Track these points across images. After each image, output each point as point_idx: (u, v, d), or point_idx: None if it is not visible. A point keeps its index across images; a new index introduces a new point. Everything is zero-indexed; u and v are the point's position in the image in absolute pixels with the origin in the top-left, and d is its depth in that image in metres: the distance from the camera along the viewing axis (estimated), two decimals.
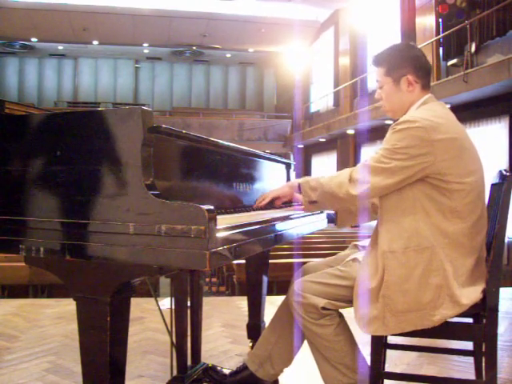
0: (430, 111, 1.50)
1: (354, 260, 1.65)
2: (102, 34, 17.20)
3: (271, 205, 1.76)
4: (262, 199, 1.73)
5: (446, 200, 1.44)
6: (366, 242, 1.83)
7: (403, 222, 1.48)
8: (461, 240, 1.45)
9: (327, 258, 1.85)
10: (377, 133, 12.03)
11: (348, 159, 13.82)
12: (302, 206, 1.66)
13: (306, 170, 17.28)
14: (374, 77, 1.69)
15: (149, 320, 3.29)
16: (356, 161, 13.60)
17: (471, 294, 1.44)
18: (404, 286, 1.44)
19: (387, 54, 1.62)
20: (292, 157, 17.17)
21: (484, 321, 1.44)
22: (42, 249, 1.25)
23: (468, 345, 1.70)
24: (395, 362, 2.45)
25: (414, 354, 2.53)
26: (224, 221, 1.25)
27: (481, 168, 1.52)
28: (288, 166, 2.38)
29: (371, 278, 1.50)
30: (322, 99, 16.18)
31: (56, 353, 2.61)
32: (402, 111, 1.61)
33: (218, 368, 1.98)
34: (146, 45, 18.79)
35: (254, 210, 1.72)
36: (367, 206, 1.80)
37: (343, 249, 1.91)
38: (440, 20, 9.66)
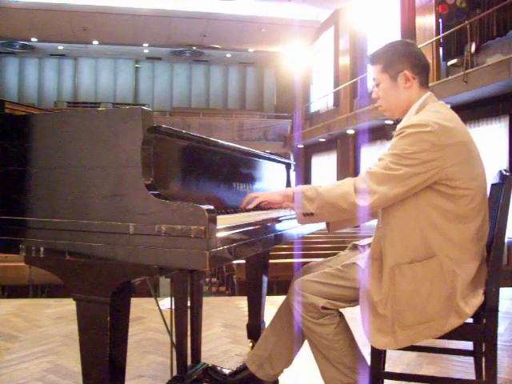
0: (437, 113, 1.45)
1: (354, 264, 1.63)
2: (102, 34, 17.21)
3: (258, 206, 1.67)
4: (251, 199, 1.64)
5: (452, 206, 1.40)
6: (366, 241, 1.82)
7: (408, 234, 1.44)
8: (467, 246, 1.42)
9: (327, 258, 1.84)
10: (377, 133, 12.04)
11: (348, 159, 13.82)
12: (293, 213, 1.55)
13: (306, 169, 17.28)
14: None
15: (149, 320, 3.29)
16: (356, 161, 13.61)
17: (475, 300, 1.43)
18: (413, 299, 1.42)
19: (383, 50, 1.59)
20: (292, 157, 17.18)
21: (484, 321, 1.44)
22: (42, 249, 1.25)
23: (468, 345, 1.70)
24: (395, 362, 2.45)
25: (413, 354, 2.53)
26: (224, 221, 1.25)
27: (484, 171, 1.49)
28: (288, 165, 2.38)
29: (375, 291, 1.47)
30: (321, 99, 16.17)
31: (56, 353, 2.61)
32: (399, 110, 1.58)
33: (218, 368, 1.98)
34: (146, 45, 18.79)
35: (253, 211, 1.71)
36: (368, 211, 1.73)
37: (343, 249, 1.90)
38: (440, 20, 9.67)
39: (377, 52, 1.61)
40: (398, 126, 1.57)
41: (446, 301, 1.41)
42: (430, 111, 1.48)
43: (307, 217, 1.50)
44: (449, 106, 1.55)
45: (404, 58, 1.54)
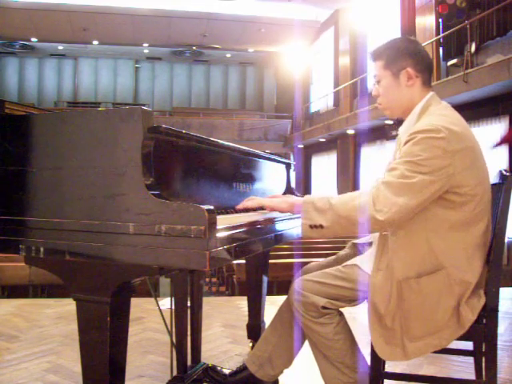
0: (444, 117, 1.42)
1: (355, 265, 1.61)
2: (102, 33, 17.20)
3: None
4: (251, 200, 1.59)
5: (458, 213, 1.38)
6: (365, 240, 1.81)
7: (415, 247, 1.42)
8: (473, 251, 1.42)
9: (327, 258, 1.84)
10: (377, 133, 12.03)
11: (348, 159, 13.81)
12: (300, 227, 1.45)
13: (306, 169, 17.28)
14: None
15: (149, 320, 3.29)
16: (356, 161, 13.60)
17: (478, 304, 1.43)
18: (421, 313, 1.41)
19: (386, 47, 1.56)
20: (292, 157, 17.17)
21: (484, 321, 1.44)
22: (42, 249, 1.25)
23: (468, 345, 1.70)
24: (395, 361, 2.44)
25: None
26: (224, 221, 1.25)
27: (488, 173, 1.47)
28: (288, 165, 2.37)
29: (382, 304, 1.45)
30: (321, 99, 16.17)
31: (56, 353, 2.61)
32: (400, 108, 1.56)
33: (218, 368, 1.98)
34: (145, 45, 18.79)
35: (254, 211, 1.71)
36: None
37: (343, 249, 1.90)
38: (440, 20, 9.67)
39: (379, 48, 1.58)
40: (401, 129, 1.56)
41: (454, 310, 1.41)
42: (437, 114, 1.45)
43: (315, 229, 1.41)
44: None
45: (407, 55, 1.51)
